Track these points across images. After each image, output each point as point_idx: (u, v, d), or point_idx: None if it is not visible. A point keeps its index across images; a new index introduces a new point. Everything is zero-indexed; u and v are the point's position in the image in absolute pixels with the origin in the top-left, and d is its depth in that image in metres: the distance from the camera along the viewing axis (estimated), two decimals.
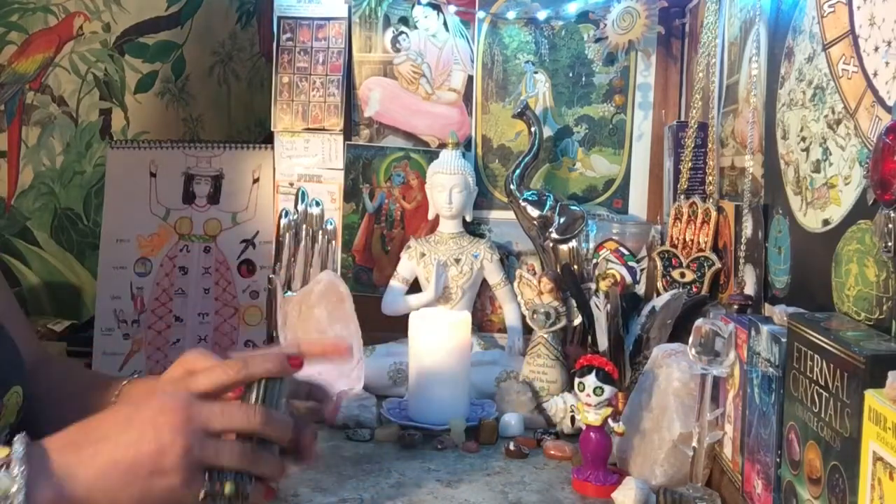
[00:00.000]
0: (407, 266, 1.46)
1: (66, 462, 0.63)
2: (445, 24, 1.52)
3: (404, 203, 1.55)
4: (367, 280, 1.56)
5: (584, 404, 0.96)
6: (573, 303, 1.25)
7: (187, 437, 0.64)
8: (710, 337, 0.86)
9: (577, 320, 1.25)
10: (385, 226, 1.55)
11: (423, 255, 1.44)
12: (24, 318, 1.04)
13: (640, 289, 1.32)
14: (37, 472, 0.62)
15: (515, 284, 1.32)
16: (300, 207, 1.40)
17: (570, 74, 1.50)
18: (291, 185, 1.55)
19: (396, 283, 1.46)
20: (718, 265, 1.14)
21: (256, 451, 0.67)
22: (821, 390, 0.62)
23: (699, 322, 0.87)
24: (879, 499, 0.53)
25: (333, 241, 1.40)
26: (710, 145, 1.21)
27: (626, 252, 1.36)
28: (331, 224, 1.41)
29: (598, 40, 1.46)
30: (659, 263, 1.21)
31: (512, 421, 1.14)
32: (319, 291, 1.20)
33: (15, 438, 0.63)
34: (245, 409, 0.68)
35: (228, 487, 0.66)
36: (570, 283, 1.25)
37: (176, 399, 0.67)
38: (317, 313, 1.18)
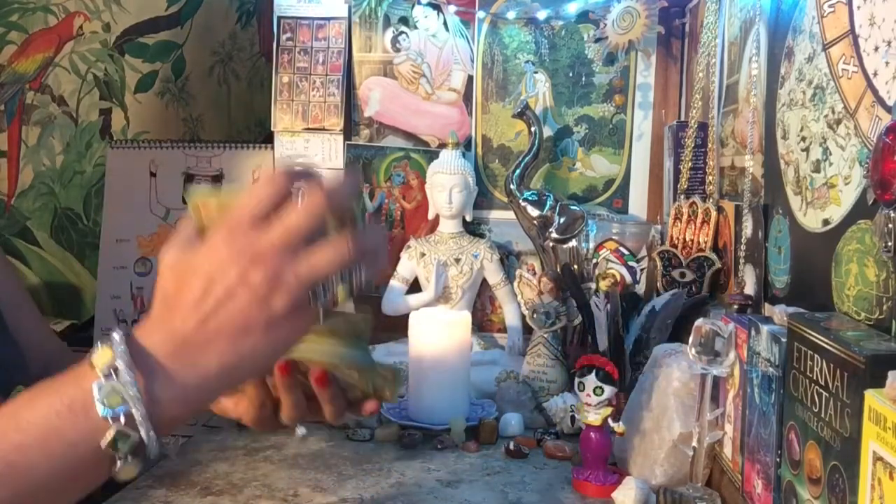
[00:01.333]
0: (407, 266, 1.46)
1: (177, 349, 0.57)
2: (445, 24, 1.52)
3: (404, 203, 1.55)
4: None
5: (584, 404, 0.96)
6: (573, 303, 1.25)
7: (280, 275, 0.58)
8: (710, 337, 0.86)
9: (577, 320, 1.25)
10: (385, 226, 1.55)
11: (423, 254, 1.44)
12: (37, 314, 1.03)
13: (640, 289, 1.32)
14: (151, 372, 0.55)
15: (515, 284, 1.32)
16: None
17: (570, 74, 1.50)
18: None
19: (396, 283, 1.46)
20: (718, 265, 1.14)
21: (345, 239, 0.60)
22: (821, 390, 0.62)
23: (699, 322, 0.87)
24: (879, 499, 0.53)
25: None
26: (710, 145, 1.21)
27: (626, 252, 1.36)
28: None
29: (598, 40, 1.46)
30: (659, 263, 1.21)
31: (512, 421, 1.14)
32: None
33: (113, 334, 0.56)
34: (304, 207, 0.60)
35: (342, 294, 0.61)
36: (570, 283, 1.25)
37: (244, 238, 0.59)
38: None
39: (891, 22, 0.66)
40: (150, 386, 0.55)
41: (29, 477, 0.54)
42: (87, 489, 0.58)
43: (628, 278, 1.33)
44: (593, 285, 1.28)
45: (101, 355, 0.55)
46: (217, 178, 1.70)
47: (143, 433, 0.54)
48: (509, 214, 1.47)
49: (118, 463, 0.55)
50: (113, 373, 0.54)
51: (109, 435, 0.54)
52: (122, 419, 0.54)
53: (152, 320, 0.59)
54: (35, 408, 0.56)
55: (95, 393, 0.54)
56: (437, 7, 1.52)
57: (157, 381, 0.55)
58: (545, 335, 1.24)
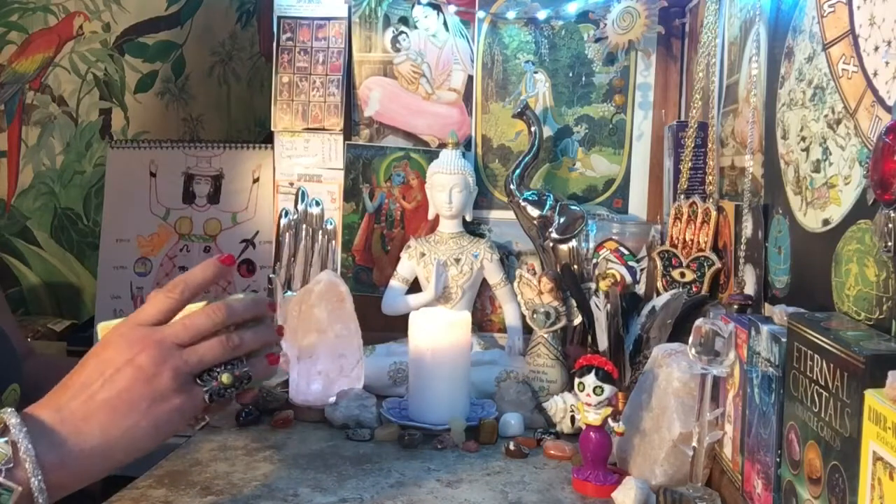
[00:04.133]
0: (407, 266, 1.46)
1: (63, 419, 0.63)
2: (445, 23, 1.52)
3: (404, 203, 1.55)
4: (367, 280, 1.56)
5: (584, 404, 0.96)
6: (573, 303, 1.25)
7: (167, 358, 0.66)
8: (710, 337, 0.86)
9: (577, 320, 1.25)
10: (385, 226, 1.55)
11: (423, 254, 1.44)
12: (11, 316, 1.05)
13: (640, 289, 1.32)
14: (37, 435, 0.61)
15: (515, 284, 1.32)
16: (300, 207, 1.40)
17: (570, 74, 1.50)
18: (291, 184, 1.55)
19: (396, 283, 1.46)
20: (718, 265, 1.14)
21: (233, 335, 0.70)
22: (821, 390, 0.62)
23: (699, 322, 0.87)
24: (879, 499, 0.53)
25: (333, 241, 1.40)
26: (710, 145, 1.21)
27: (626, 252, 1.36)
28: (331, 224, 1.41)
29: (598, 40, 1.46)
30: (659, 263, 1.21)
31: (512, 421, 1.14)
32: (319, 291, 1.20)
33: (1, 410, 0.62)
34: (205, 311, 0.70)
35: (226, 378, 0.69)
36: (570, 283, 1.25)
37: (138, 331, 0.67)
38: (317, 313, 1.18)
39: (891, 22, 0.66)
40: (38, 449, 0.60)
41: None
42: None
43: (628, 278, 1.33)
44: (593, 285, 1.28)
45: None
46: (217, 178, 1.70)
47: (34, 486, 0.59)
48: (509, 214, 1.47)
49: None
50: (2, 433, 0.60)
51: None
52: (3, 474, 0.58)
53: (44, 400, 0.65)
54: None
55: None
56: (437, 7, 1.52)
57: (42, 446, 0.60)
58: (545, 335, 1.24)
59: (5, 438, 0.59)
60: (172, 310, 0.70)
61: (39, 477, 0.59)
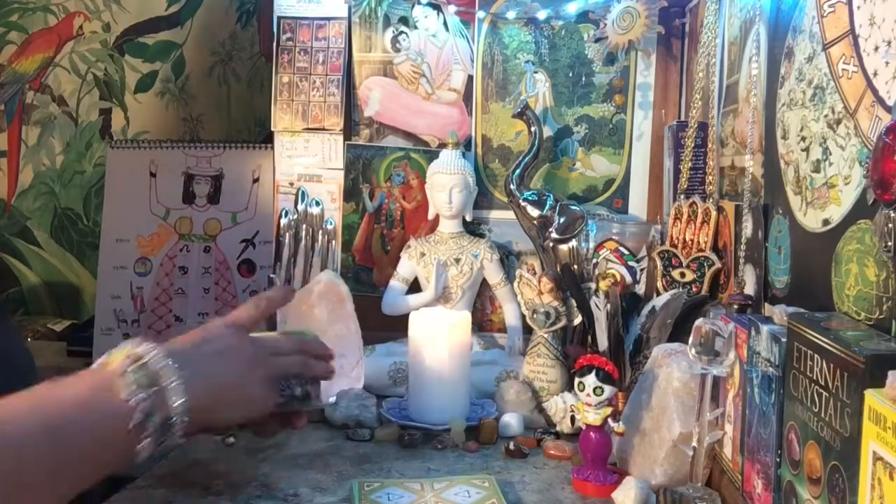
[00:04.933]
0: (407, 266, 1.46)
1: (188, 352, 0.72)
2: (445, 23, 1.52)
3: (404, 203, 1.55)
4: (367, 280, 1.55)
5: (584, 404, 0.96)
6: (573, 303, 1.25)
7: (263, 356, 0.82)
8: (710, 337, 0.86)
9: (577, 320, 1.25)
10: (385, 226, 1.55)
11: (422, 254, 1.44)
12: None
13: (640, 289, 1.32)
14: (177, 356, 0.68)
15: (515, 284, 1.32)
16: (300, 207, 1.40)
17: (570, 74, 1.50)
18: (291, 184, 1.55)
19: (396, 283, 1.46)
20: (718, 265, 1.14)
21: (307, 358, 0.88)
22: (821, 390, 0.62)
23: (699, 322, 0.87)
24: (879, 499, 0.53)
25: (333, 241, 1.40)
26: (710, 145, 1.21)
27: (626, 252, 1.36)
28: (331, 224, 1.42)
29: (598, 40, 1.46)
30: (659, 263, 1.21)
31: (512, 421, 1.14)
32: (319, 291, 1.20)
33: (125, 342, 0.68)
34: (289, 338, 0.89)
35: (299, 390, 0.87)
36: (570, 283, 1.25)
37: (237, 330, 0.82)
38: (317, 313, 1.18)
39: (891, 22, 0.66)
40: (182, 372, 0.67)
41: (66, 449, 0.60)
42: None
43: (628, 278, 1.33)
44: (593, 285, 1.28)
45: (117, 355, 0.67)
46: (217, 178, 1.71)
47: (178, 405, 0.65)
48: (509, 214, 1.47)
49: (143, 441, 0.63)
50: (141, 360, 0.66)
51: (140, 413, 0.63)
52: (150, 399, 0.64)
53: (178, 341, 0.74)
54: (65, 391, 0.63)
55: (128, 376, 0.64)
56: (437, 7, 1.52)
57: (184, 367, 0.68)
58: (545, 335, 1.24)
59: (140, 363, 0.65)
60: (257, 318, 0.85)
61: (185, 398, 0.66)
